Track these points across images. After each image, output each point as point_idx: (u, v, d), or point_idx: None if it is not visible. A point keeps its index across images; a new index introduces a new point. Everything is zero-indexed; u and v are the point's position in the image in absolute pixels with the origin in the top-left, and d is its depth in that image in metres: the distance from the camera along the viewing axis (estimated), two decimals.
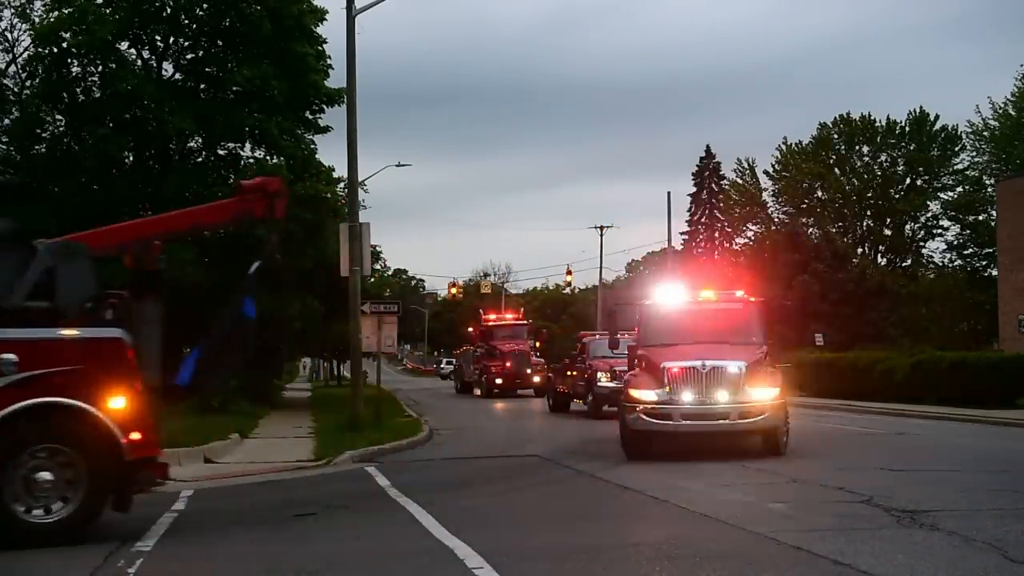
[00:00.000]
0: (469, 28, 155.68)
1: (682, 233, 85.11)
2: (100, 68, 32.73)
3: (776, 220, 74.49)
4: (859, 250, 67.40)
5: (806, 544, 9.48)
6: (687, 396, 16.86)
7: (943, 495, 12.59)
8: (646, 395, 17.13)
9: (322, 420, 28.93)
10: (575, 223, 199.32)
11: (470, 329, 47.80)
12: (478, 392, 47.90)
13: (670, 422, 16.96)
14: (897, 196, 70.73)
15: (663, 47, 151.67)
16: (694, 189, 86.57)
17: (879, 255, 71.10)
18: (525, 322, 50.59)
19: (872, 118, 71.03)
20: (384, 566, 9.43)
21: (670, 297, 19.92)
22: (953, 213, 69.71)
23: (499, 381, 44.46)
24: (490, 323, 49.09)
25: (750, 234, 78.45)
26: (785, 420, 17.56)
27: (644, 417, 17.04)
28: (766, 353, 17.87)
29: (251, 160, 34.16)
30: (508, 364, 44.70)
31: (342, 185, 33.26)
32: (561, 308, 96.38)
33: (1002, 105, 65.71)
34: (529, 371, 44.25)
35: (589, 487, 14.57)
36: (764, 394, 16.92)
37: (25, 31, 33.75)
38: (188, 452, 18.00)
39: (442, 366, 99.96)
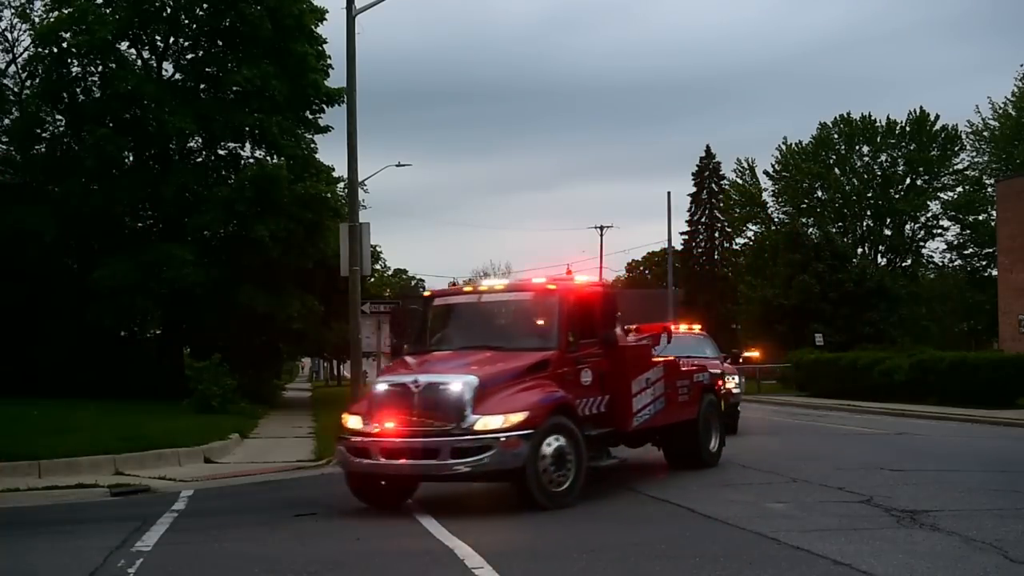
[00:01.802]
0: (469, 28, 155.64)
1: (682, 233, 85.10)
2: (100, 68, 32.79)
3: (776, 220, 74.51)
4: (859, 250, 67.41)
5: (806, 544, 9.48)
6: (391, 425, 12.18)
7: (943, 495, 12.59)
8: (352, 422, 12.72)
9: (322, 420, 28.92)
10: (575, 223, 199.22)
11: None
12: None
13: (368, 460, 12.27)
14: (897, 196, 70.72)
15: (663, 47, 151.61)
16: (694, 189, 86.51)
17: (879, 255, 71.10)
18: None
19: (872, 118, 71.05)
20: (384, 566, 9.43)
21: (446, 292, 15.58)
22: (953, 213, 69.72)
23: None
24: None
25: (750, 234, 78.52)
26: (556, 460, 12.21)
27: (345, 452, 12.59)
28: (548, 360, 12.88)
29: (251, 160, 34.20)
30: None
31: (342, 185, 33.27)
32: None
33: (1002, 105, 65.76)
34: None
35: (589, 487, 14.55)
36: (495, 423, 11.87)
37: (25, 31, 33.85)
38: (188, 452, 17.99)
39: None
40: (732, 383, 22.25)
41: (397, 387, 12.44)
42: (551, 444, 12.20)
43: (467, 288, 15.15)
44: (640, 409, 14.24)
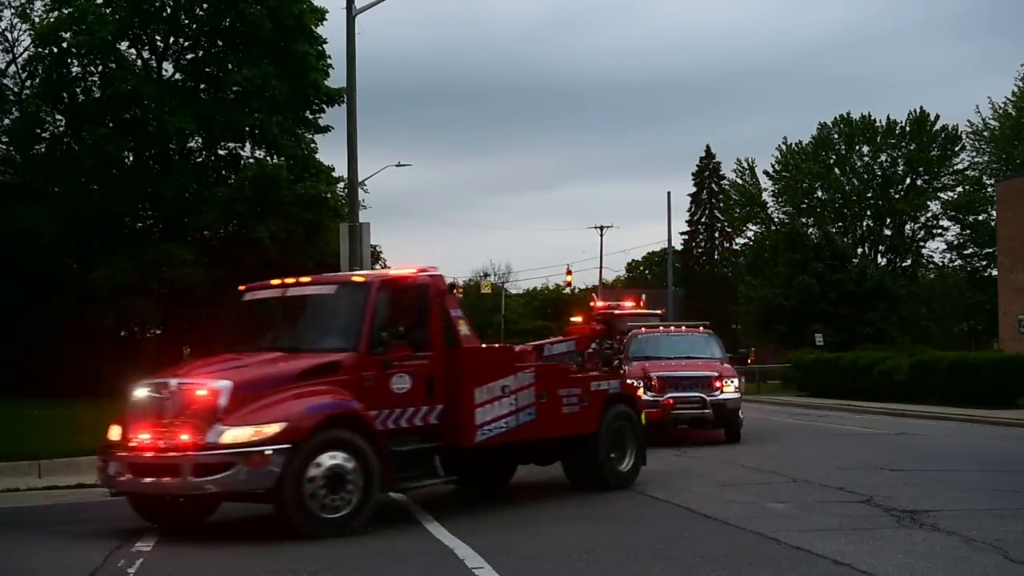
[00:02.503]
0: (469, 28, 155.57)
1: (682, 233, 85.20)
2: (100, 68, 32.80)
3: (776, 220, 74.48)
4: (859, 250, 67.37)
5: (806, 544, 9.48)
6: (144, 436, 10.71)
7: (943, 495, 12.59)
8: (114, 433, 11.16)
9: None
10: (575, 223, 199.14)
11: (578, 320, 40.17)
12: None
13: (123, 478, 10.89)
14: (897, 196, 70.70)
15: (663, 47, 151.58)
16: (694, 189, 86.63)
17: (879, 255, 71.07)
18: (658, 311, 44.06)
19: (872, 118, 71.03)
20: (384, 566, 9.43)
21: (257, 286, 13.14)
22: (953, 213, 69.71)
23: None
24: (610, 313, 41.46)
25: (750, 234, 78.50)
26: (335, 475, 10.57)
27: (105, 469, 11.18)
28: (338, 363, 11.16)
29: (251, 160, 34.20)
30: None
31: (342, 185, 33.27)
32: (561, 308, 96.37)
33: (1002, 105, 65.74)
34: None
35: (589, 487, 14.55)
36: (243, 435, 10.30)
37: (25, 31, 33.86)
38: None
39: None
40: (730, 387, 20.57)
41: (152, 391, 10.89)
42: (324, 462, 10.45)
43: (275, 281, 12.77)
44: (489, 421, 12.16)
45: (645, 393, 18.84)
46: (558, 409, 13.20)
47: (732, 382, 20.64)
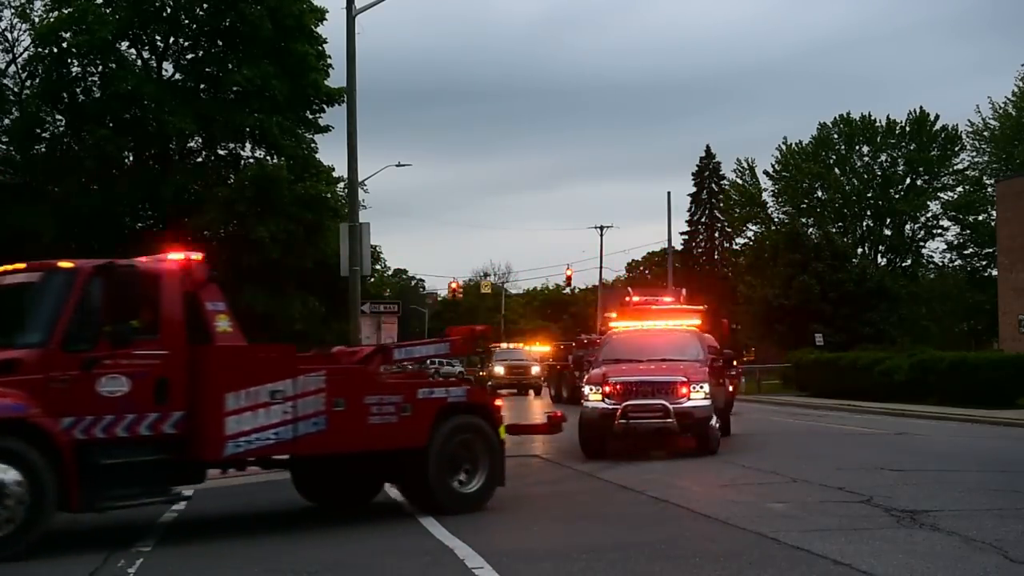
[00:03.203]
0: (469, 27, 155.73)
1: (682, 233, 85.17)
2: (100, 68, 32.81)
3: (776, 220, 74.49)
4: (859, 250, 67.37)
5: (806, 544, 9.48)
6: None
7: (943, 495, 12.58)
8: None
9: None
10: (575, 223, 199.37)
11: (613, 316, 33.19)
12: None
13: None
14: (897, 196, 70.71)
15: (663, 46, 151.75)
16: (694, 189, 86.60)
17: (879, 255, 71.07)
18: (698, 307, 35.29)
19: (872, 118, 71.04)
20: (384, 566, 9.43)
21: None
22: (953, 213, 69.70)
23: None
24: (647, 308, 33.51)
25: (750, 234, 78.49)
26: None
27: None
28: (18, 361, 9.90)
29: (251, 160, 34.20)
30: None
31: (342, 185, 33.30)
32: (561, 308, 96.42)
33: (1002, 105, 65.73)
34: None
35: (590, 487, 14.56)
36: None
37: (25, 31, 33.88)
38: None
39: (427, 365, 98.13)
40: (699, 393, 17.63)
41: None
42: None
43: None
44: (249, 431, 10.63)
45: (603, 400, 17.54)
46: (362, 419, 11.42)
47: (702, 388, 17.71)
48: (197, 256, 11.35)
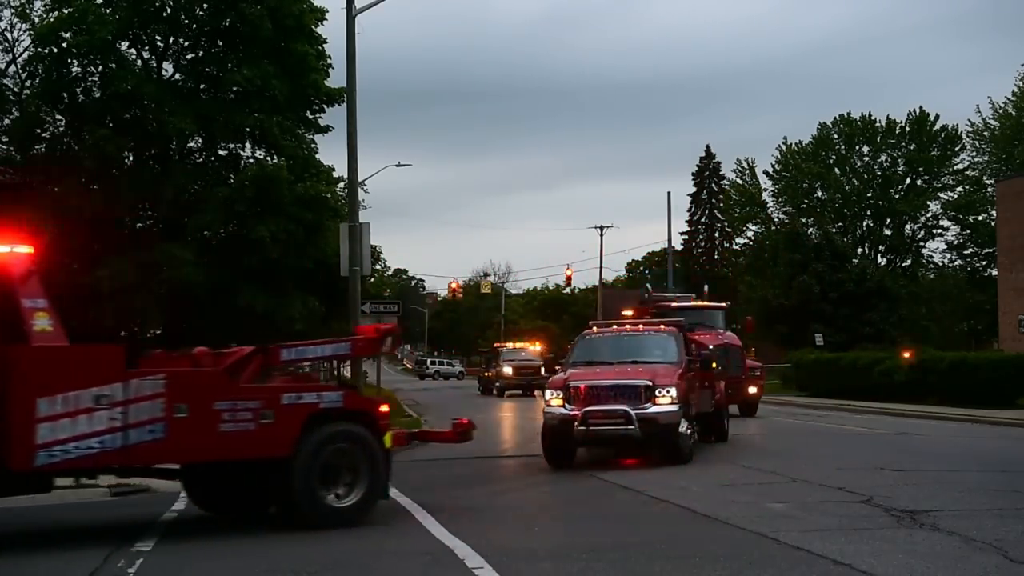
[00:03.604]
0: (469, 27, 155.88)
1: (682, 233, 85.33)
2: (100, 68, 32.75)
3: (776, 220, 74.53)
4: (859, 250, 67.41)
5: (806, 544, 9.49)
6: None
7: (943, 495, 12.59)
8: None
9: None
10: (575, 223, 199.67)
11: (628, 314, 31.77)
12: None
13: None
14: (897, 196, 70.76)
15: (663, 46, 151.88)
16: (694, 189, 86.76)
17: (879, 255, 71.12)
18: (720, 304, 33.61)
19: (872, 118, 71.09)
20: (384, 566, 9.43)
21: None
22: (953, 213, 69.76)
23: None
24: (674, 306, 31.59)
25: (750, 234, 78.55)
26: None
27: None
28: None
29: (251, 160, 34.18)
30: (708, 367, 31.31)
31: (342, 185, 33.25)
32: (561, 308, 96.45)
33: (1002, 105, 65.78)
34: (743, 376, 28.88)
35: (590, 487, 14.57)
36: None
37: (25, 31, 33.79)
38: None
39: (427, 366, 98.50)
40: (665, 398, 16.23)
41: None
42: None
43: None
44: (65, 440, 9.78)
45: (564, 406, 16.42)
46: (210, 427, 10.62)
47: (668, 392, 16.27)
48: (26, 248, 10.45)
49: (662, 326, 19.34)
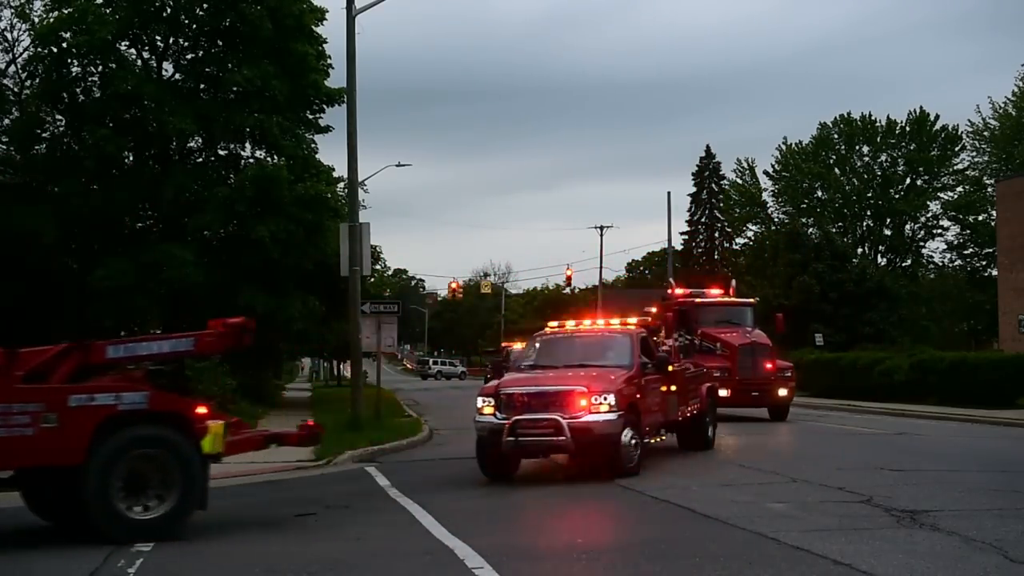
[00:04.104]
0: (469, 27, 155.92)
1: (682, 233, 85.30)
2: (100, 68, 32.75)
3: (776, 220, 74.56)
4: (859, 250, 67.46)
5: (806, 544, 9.49)
6: None
7: (943, 495, 12.59)
8: None
9: (322, 420, 28.85)
10: (575, 223, 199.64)
11: (652, 311, 30.08)
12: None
13: None
14: (897, 196, 70.80)
15: (663, 46, 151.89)
16: (694, 189, 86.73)
17: (879, 255, 71.17)
18: (750, 301, 31.80)
19: (872, 118, 71.14)
20: (384, 566, 9.43)
21: None
22: (953, 213, 69.80)
23: (724, 393, 24.96)
24: (698, 302, 29.87)
25: (750, 234, 78.57)
26: None
27: None
28: None
29: (251, 160, 34.18)
30: (738, 366, 27.12)
31: (342, 185, 33.26)
32: (561, 308, 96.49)
33: (1002, 105, 65.82)
34: (772, 377, 27.48)
35: (589, 487, 14.56)
36: None
37: (25, 31, 33.79)
38: None
39: (429, 366, 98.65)
40: (603, 406, 14.61)
41: None
42: None
43: None
44: None
45: (495, 414, 14.95)
46: None
47: (606, 399, 14.64)
48: None
49: (620, 326, 17.64)
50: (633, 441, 15.07)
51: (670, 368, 16.91)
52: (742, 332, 27.61)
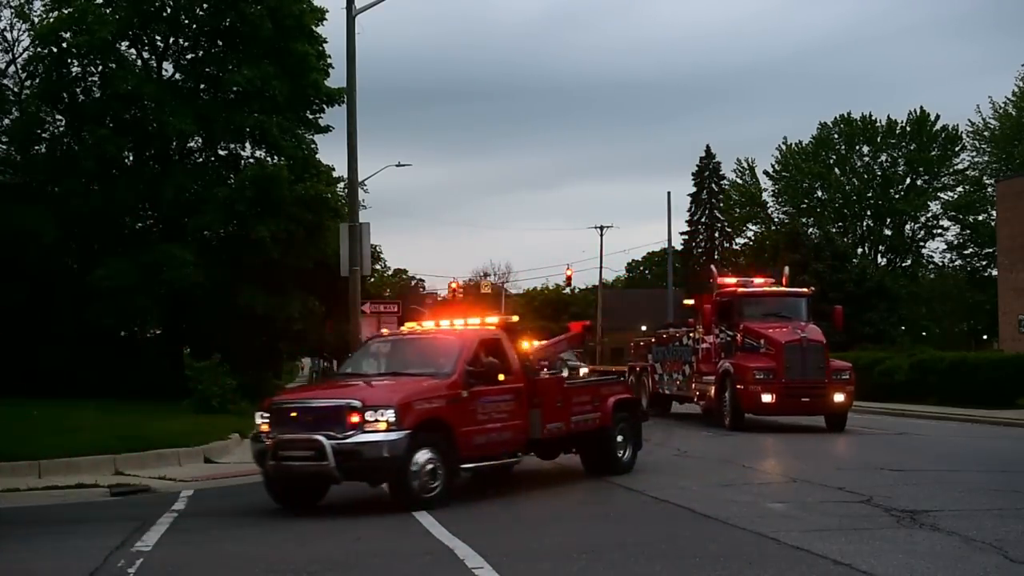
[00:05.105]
0: (470, 27, 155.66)
1: (682, 233, 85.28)
2: (100, 68, 32.76)
3: (776, 220, 74.58)
4: (859, 250, 67.48)
5: (806, 544, 9.49)
6: None
7: (943, 495, 12.59)
8: None
9: None
10: (575, 223, 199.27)
11: (691, 303, 28.34)
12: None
13: None
14: (897, 196, 70.83)
15: (663, 46, 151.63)
16: (694, 189, 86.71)
17: (879, 255, 71.19)
18: (804, 291, 28.05)
19: (872, 118, 71.19)
20: (384, 566, 9.43)
21: None
22: (953, 213, 69.84)
23: (768, 398, 23.32)
24: (740, 293, 26.25)
25: (750, 234, 78.60)
26: None
27: None
28: None
29: (251, 160, 34.18)
30: (784, 367, 23.55)
31: (342, 185, 33.25)
32: (561, 308, 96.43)
33: (1002, 105, 65.89)
34: (826, 380, 23.89)
35: (589, 487, 14.56)
36: None
37: (25, 31, 33.78)
38: (188, 452, 17.97)
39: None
40: (380, 422, 12.13)
41: None
42: None
43: None
44: None
45: (271, 432, 12.68)
46: None
47: (383, 416, 12.10)
48: None
49: (461, 327, 15.08)
50: (431, 467, 12.41)
51: (501, 376, 13.75)
52: (792, 327, 24.34)
